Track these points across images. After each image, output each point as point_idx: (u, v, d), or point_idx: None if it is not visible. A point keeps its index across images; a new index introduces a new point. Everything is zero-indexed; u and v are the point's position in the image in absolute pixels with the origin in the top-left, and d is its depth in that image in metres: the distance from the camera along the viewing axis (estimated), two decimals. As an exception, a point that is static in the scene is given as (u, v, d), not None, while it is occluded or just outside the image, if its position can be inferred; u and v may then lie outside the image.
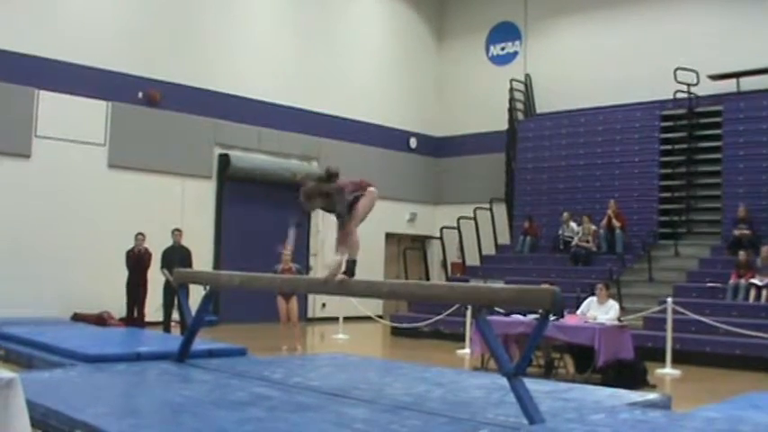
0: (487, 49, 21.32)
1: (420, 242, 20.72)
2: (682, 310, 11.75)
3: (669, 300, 11.63)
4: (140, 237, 13.36)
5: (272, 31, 18.47)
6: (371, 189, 6.60)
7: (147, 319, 13.39)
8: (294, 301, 12.52)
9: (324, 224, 17.69)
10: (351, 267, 6.48)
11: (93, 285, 14.40)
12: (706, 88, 16.56)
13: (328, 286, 6.76)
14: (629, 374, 9.46)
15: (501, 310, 10.36)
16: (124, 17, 15.82)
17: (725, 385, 9.98)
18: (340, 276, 6.50)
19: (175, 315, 13.01)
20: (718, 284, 13.57)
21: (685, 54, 16.79)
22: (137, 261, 13.23)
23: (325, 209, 6.68)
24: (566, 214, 16.90)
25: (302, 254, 17.51)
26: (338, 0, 20.06)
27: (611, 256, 15.77)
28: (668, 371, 10.92)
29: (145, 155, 15.81)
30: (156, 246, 13.22)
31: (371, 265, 17.70)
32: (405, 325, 15.42)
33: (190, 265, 12.71)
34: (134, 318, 13.18)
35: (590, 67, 18.91)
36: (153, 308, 13.36)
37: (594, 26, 19.31)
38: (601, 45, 18.95)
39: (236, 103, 17.36)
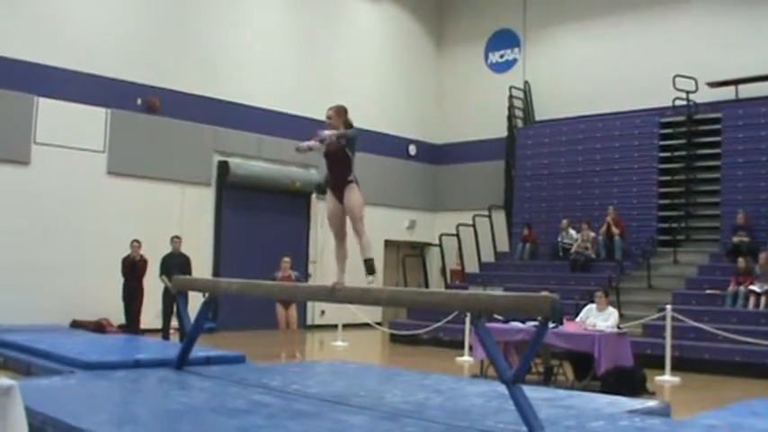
0: (486, 57, 21.35)
1: (419, 249, 20.71)
2: (681, 317, 11.75)
3: (668, 307, 11.64)
4: (136, 244, 13.37)
5: (273, 38, 18.48)
6: (352, 184, 6.59)
7: (146, 326, 13.43)
8: (293, 309, 12.53)
9: (323, 232, 17.69)
10: (370, 265, 6.51)
11: (92, 292, 14.39)
12: (705, 95, 16.58)
13: (325, 293, 6.80)
14: (628, 382, 9.45)
15: (500, 317, 10.37)
16: (124, 24, 15.83)
17: (724, 392, 9.97)
18: (333, 283, 6.58)
19: (174, 322, 13.01)
20: (717, 291, 13.57)
21: (684, 61, 16.81)
22: (131, 268, 13.23)
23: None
24: (565, 221, 16.90)
25: (301, 261, 17.52)
26: (338, 8, 20.10)
27: (610, 263, 15.77)
28: (667, 378, 10.91)
29: (144, 162, 15.81)
30: (156, 253, 13.23)
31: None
32: (404, 332, 15.41)
33: (189, 272, 12.74)
34: (130, 325, 13.18)
35: (589, 75, 18.93)
36: (152, 315, 13.37)
37: (593, 33, 19.33)
38: (600, 52, 18.97)
39: (236, 110, 17.36)
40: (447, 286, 18.45)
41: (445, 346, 14.33)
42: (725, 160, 16.09)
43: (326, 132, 6.57)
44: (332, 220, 6.71)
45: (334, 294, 6.66)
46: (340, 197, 6.58)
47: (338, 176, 6.64)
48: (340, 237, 6.72)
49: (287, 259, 12.59)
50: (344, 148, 6.60)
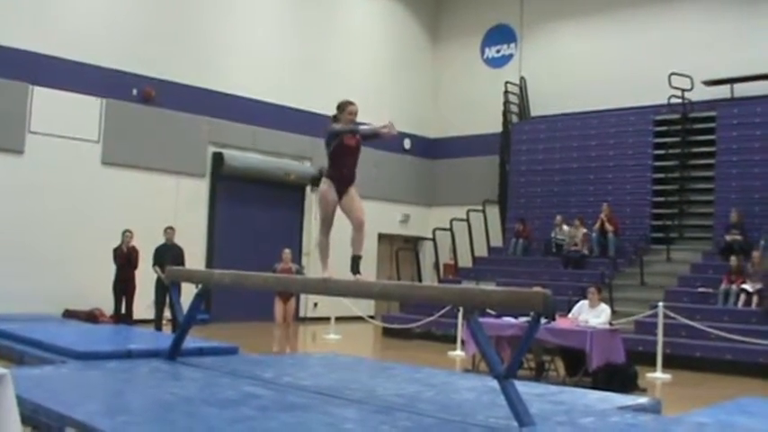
0: (483, 52, 21.34)
1: (412, 243, 20.72)
2: (673, 314, 11.79)
3: (660, 304, 11.67)
4: (128, 234, 13.35)
5: (269, 30, 18.46)
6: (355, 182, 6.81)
7: (139, 316, 13.39)
8: (292, 303, 12.06)
9: (317, 224, 17.69)
10: (359, 263, 6.63)
11: (85, 282, 14.37)
12: (700, 94, 16.60)
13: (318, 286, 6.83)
14: (619, 378, 9.49)
15: (492, 312, 10.38)
16: (120, 14, 15.79)
17: (715, 390, 10.01)
18: (327, 277, 6.65)
19: (167, 313, 12.99)
20: (710, 290, 13.61)
21: (680, 59, 16.83)
22: (125, 259, 13.21)
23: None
24: (559, 217, 16.92)
25: (295, 254, 17.48)
26: (334, 1, 20.06)
27: (603, 259, 15.80)
28: (659, 375, 10.95)
29: (139, 152, 15.79)
30: (149, 243, 13.21)
31: (363, 266, 17.67)
32: (396, 326, 15.43)
33: (182, 263, 12.70)
34: (121, 315, 13.17)
35: (585, 71, 18.93)
36: (144, 305, 13.36)
37: (590, 30, 19.34)
38: (596, 49, 18.98)
39: (231, 101, 17.33)
40: (440, 280, 18.48)
41: (437, 340, 14.36)
42: (719, 159, 16.11)
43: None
44: (328, 209, 6.72)
45: (329, 287, 6.70)
46: (341, 192, 6.64)
47: (351, 173, 6.73)
48: (328, 226, 6.80)
49: (288, 251, 12.14)
50: (360, 146, 6.73)
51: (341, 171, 6.73)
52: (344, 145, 6.70)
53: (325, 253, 6.85)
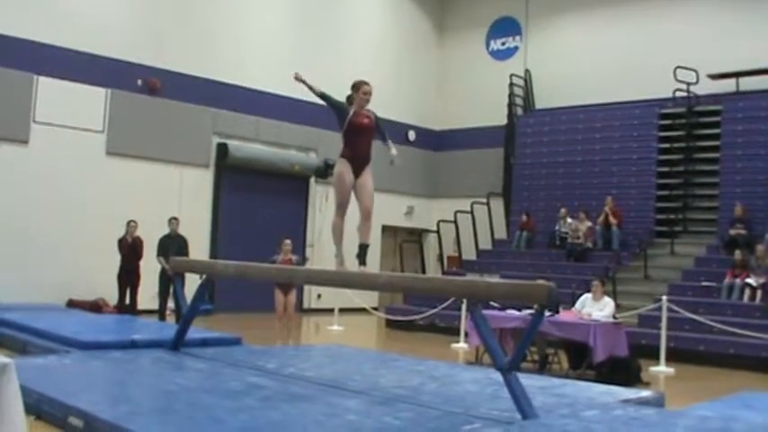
0: (488, 44, 21.30)
1: (417, 235, 20.71)
2: (676, 308, 11.77)
3: (664, 298, 11.66)
4: (132, 224, 13.34)
5: (274, 21, 18.43)
6: (370, 165, 6.90)
7: (143, 306, 13.42)
8: (292, 294, 11.62)
9: (321, 216, 17.69)
10: (366, 252, 6.66)
11: (89, 272, 14.40)
12: (706, 87, 16.55)
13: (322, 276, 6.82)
14: (623, 371, 9.48)
15: (496, 305, 10.38)
16: (125, 4, 15.79)
17: (718, 384, 10.00)
18: (343, 266, 6.70)
19: (171, 303, 13.02)
20: (713, 283, 13.59)
21: (685, 53, 16.78)
22: (130, 249, 13.21)
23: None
24: (563, 210, 16.90)
25: (299, 245, 17.52)
26: (340, -9, 20.05)
27: (607, 252, 15.79)
28: (662, 369, 10.94)
29: (143, 143, 15.78)
30: (153, 234, 13.23)
31: (368, 257, 17.68)
32: (400, 317, 15.43)
33: (186, 253, 12.71)
34: (126, 305, 13.19)
35: (590, 64, 18.88)
36: (149, 296, 13.38)
37: (595, 23, 19.29)
38: (601, 42, 18.92)
39: (236, 92, 17.31)
40: (444, 273, 18.48)
41: (441, 332, 14.34)
42: (724, 153, 16.07)
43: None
44: (345, 190, 6.72)
45: (332, 278, 6.70)
46: (357, 172, 6.65)
47: (366, 153, 6.79)
48: (344, 209, 6.78)
49: (288, 241, 11.65)
50: (373, 126, 6.70)
51: (354, 150, 6.75)
52: (354, 123, 6.72)
53: (340, 237, 6.84)
